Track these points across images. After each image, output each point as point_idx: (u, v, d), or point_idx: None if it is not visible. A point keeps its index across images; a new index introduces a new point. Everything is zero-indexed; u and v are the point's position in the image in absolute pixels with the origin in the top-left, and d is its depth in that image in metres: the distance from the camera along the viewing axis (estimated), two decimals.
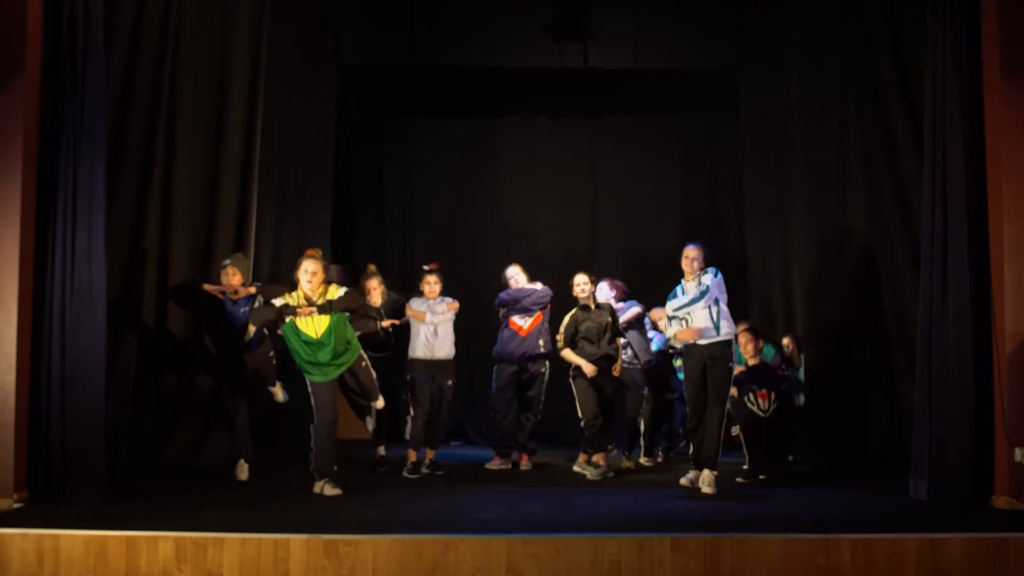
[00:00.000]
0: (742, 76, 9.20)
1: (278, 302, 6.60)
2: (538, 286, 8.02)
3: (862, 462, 7.83)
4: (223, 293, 7.20)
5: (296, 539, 5.11)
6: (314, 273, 6.57)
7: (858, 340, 8.15)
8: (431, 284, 7.65)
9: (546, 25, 9.06)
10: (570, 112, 10.33)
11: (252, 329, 7.13)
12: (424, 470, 7.57)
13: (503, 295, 8.04)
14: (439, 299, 7.66)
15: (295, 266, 6.69)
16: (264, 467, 7.54)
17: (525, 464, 7.98)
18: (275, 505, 6.13)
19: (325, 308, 6.54)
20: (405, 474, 7.45)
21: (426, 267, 7.79)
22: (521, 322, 7.94)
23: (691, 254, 6.96)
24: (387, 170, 10.42)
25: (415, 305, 7.65)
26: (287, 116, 8.82)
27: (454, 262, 9.83)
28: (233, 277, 7.17)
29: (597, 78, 9.54)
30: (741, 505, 6.33)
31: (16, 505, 5.90)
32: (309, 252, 6.78)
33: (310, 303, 6.55)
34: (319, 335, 6.55)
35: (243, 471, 7.17)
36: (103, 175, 6.31)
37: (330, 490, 6.51)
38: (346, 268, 10.08)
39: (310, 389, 6.66)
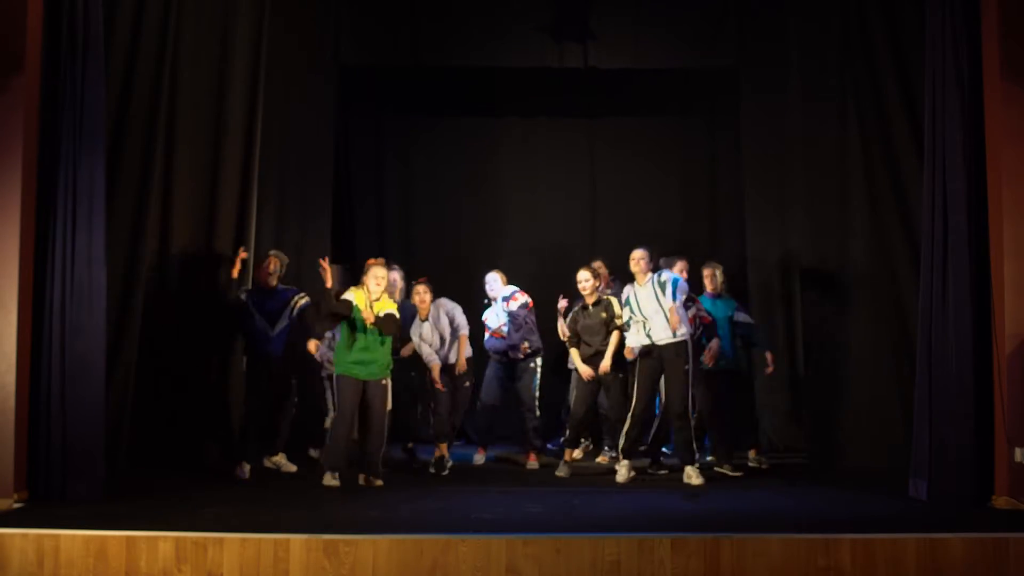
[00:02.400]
0: (742, 76, 9.18)
1: (351, 296, 6.98)
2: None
3: (862, 462, 7.83)
4: (254, 283, 7.50)
5: (296, 539, 5.11)
6: (383, 278, 7.07)
7: (858, 340, 8.14)
8: (421, 294, 7.78)
9: (546, 25, 9.04)
10: (570, 112, 10.32)
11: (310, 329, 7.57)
12: (431, 469, 7.62)
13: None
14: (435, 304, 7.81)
15: (363, 270, 7.15)
16: (264, 467, 7.56)
17: (532, 462, 8.01)
18: (275, 505, 6.13)
19: (378, 323, 6.94)
20: (433, 471, 7.52)
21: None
22: (492, 325, 8.19)
23: (641, 256, 7.30)
24: (387, 170, 10.42)
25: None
26: (287, 116, 8.82)
27: (454, 262, 9.84)
28: (271, 264, 7.52)
29: (597, 78, 9.52)
30: (741, 505, 6.33)
31: (16, 505, 5.90)
32: (373, 261, 7.23)
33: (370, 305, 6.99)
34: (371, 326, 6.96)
35: (246, 470, 7.20)
36: (103, 175, 6.32)
37: (330, 480, 6.82)
38: (346, 268, 10.08)
39: (335, 384, 7.02)
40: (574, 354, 7.64)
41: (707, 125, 10.32)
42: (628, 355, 7.39)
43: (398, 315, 7.15)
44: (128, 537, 5.15)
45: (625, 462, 7.28)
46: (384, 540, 5.13)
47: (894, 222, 8.05)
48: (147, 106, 7.73)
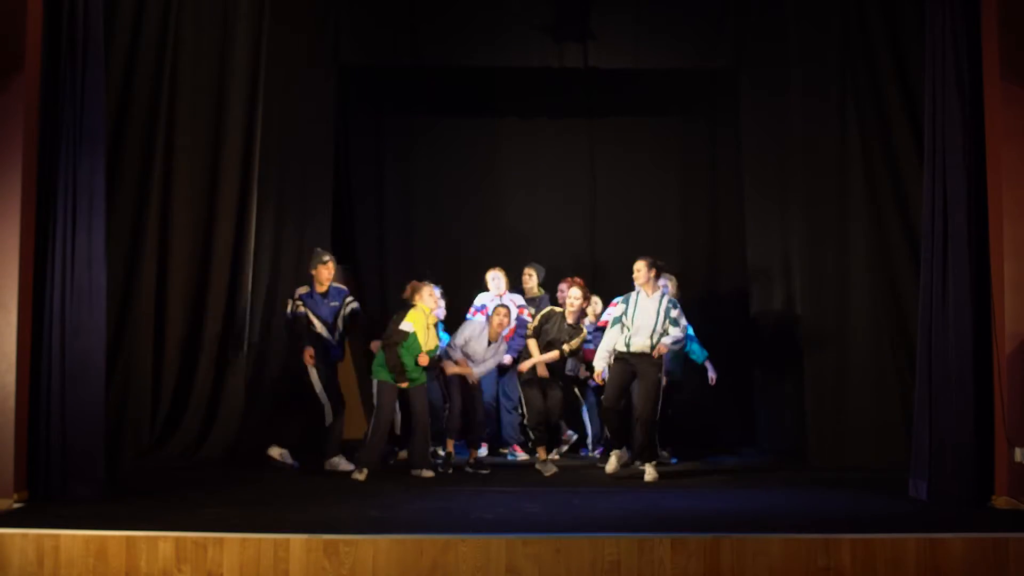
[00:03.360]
0: (742, 76, 9.18)
1: (410, 327, 7.31)
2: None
3: (862, 462, 7.83)
4: (309, 289, 7.68)
5: (296, 539, 5.11)
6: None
7: (858, 340, 8.14)
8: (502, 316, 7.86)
9: (546, 25, 9.03)
10: (570, 112, 10.31)
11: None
12: (468, 470, 7.67)
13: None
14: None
15: (414, 290, 7.48)
16: (264, 466, 7.56)
17: (520, 453, 8.26)
18: (275, 505, 6.14)
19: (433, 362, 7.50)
20: (438, 465, 7.61)
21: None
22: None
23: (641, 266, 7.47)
24: (387, 170, 10.40)
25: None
26: (287, 116, 8.81)
27: (454, 262, 9.83)
28: (329, 269, 7.72)
29: (597, 78, 9.51)
30: (741, 505, 6.34)
31: (16, 505, 5.90)
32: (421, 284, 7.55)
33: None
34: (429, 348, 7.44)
35: (345, 463, 7.57)
36: (103, 175, 6.32)
37: (358, 475, 7.18)
38: (347, 268, 10.09)
39: (375, 390, 7.37)
40: (532, 345, 7.78)
41: (707, 125, 10.29)
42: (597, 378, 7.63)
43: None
44: (128, 537, 5.15)
45: (614, 452, 7.50)
46: (384, 540, 5.13)
47: (894, 222, 8.06)
48: (147, 106, 7.74)
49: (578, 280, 8.15)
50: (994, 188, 6.31)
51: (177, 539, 5.13)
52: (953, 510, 6.02)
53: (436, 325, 7.75)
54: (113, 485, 6.40)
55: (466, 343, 7.69)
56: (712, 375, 8.16)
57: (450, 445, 7.73)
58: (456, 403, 7.74)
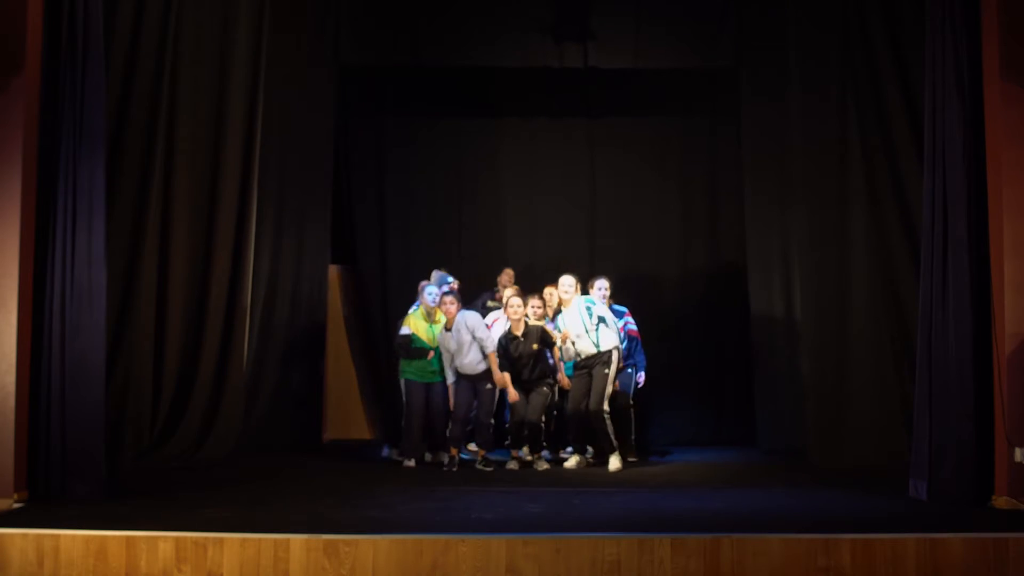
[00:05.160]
0: (742, 76, 9.19)
1: (404, 331, 7.93)
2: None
3: (862, 462, 7.83)
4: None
5: (296, 539, 5.12)
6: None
7: (858, 340, 8.14)
8: (447, 304, 7.86)
9: (546, 25, 9.05)
10: (570, 112, 10.31)
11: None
12: (480, 467, 7.79)
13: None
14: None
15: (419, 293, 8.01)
16: (264, 466, 7.56)
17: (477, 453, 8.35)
18: (275, 505, 6.14)
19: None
20: (445, 469, 7.77)
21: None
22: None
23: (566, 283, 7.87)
24: (387, 170, 10.40)
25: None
26: (287, 116, 8.83)
27: (453, 262, 9.83)
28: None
29: (597, 78, 9.52)
30: (741, 505, 6.34)
31: (16, 505, 5.90)
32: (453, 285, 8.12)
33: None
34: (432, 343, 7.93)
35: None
36: (103, 175, 6.31)
37: (408, 463, 7.81)
38: (346, 268, 10.09)
39: (403, 388, 7.94)
40: (498, 375, 7.88)
41: (707, 125, 10.28)
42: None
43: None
44: (128, 537, 5.15)
45: (575, 456, 7.85)
46: (384, 540, 5.13)
47: (894, 222, 8.06)
48: (147, 106, 7.74)
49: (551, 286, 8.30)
50: (994, 188, 6.31)
51: (177, 539, 5.13)
52: (953, 510, 6.02)
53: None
54: (113, 485, 6.39)
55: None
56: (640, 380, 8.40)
57: (454, 452, 7.83)
58: (462, 411, 7.81)
